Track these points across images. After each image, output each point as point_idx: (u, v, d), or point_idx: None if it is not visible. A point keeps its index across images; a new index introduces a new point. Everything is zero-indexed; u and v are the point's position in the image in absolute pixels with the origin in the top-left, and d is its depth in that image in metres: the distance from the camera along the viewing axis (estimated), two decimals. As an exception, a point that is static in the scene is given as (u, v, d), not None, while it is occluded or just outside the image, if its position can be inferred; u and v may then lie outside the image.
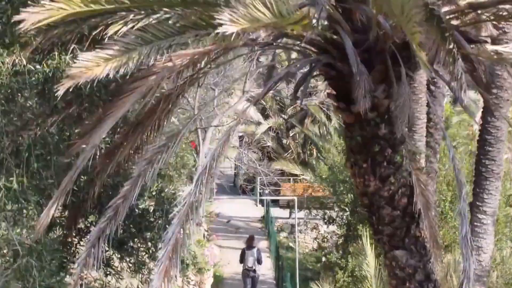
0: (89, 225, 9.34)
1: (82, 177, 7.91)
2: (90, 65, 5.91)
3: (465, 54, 6.38)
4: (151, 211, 9.26)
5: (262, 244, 23.80)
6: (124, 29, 6.45)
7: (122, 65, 6.02)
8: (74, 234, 9.12)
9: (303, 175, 23.54)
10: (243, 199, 31.24)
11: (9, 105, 6.67)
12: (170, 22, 6.50)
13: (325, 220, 18.66)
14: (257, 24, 5.46)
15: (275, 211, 27.78)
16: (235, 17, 5.31)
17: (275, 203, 29.50)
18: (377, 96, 6.78)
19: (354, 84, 6.37)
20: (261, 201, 30.60)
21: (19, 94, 6.71)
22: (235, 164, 30.99)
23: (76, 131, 7.51)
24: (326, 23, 6.91)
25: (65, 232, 8.77)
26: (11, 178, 6.62)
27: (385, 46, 6.66)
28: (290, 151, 30.82)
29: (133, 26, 6.46)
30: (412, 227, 7.15)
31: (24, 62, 6.51)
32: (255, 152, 31.60)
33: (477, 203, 11.08)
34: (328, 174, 18.50)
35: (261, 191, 29.87)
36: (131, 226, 9.05)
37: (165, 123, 7.86)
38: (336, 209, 18.54)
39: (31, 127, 6.90)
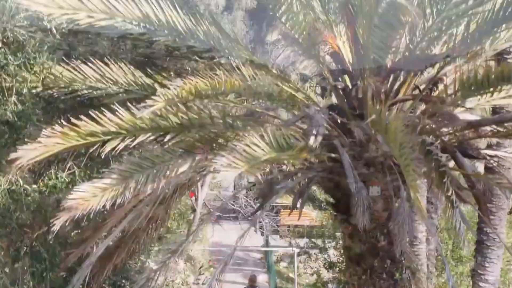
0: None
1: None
2: (86, 196, 5.85)
3: (465, 174, 6.35)
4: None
5: (262, 277, 23.63)
6: (122, 145, 6.39)
7: (119, 195, 5.96)
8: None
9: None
10: (242, 224, 30.95)
11: (5, 220, 6.61)
12: (166, 139, 6.42)
13: (326, 266, 18.52)
14: (257, 165, 5.36)
15: (274, 240, 27.50)
16: (232, 160, 5.20)
17: (275, 231, 29.26)
18: (376, 209, 6.74)
19: (352, 197, 6.32)
20: (260, 227, 30.34)
21: (15, 213, 6.64)
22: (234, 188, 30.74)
23: (72, 234, 7.45)
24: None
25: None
26: (6, 298, 6.59)
27: (383, 161, 6.61)
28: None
29: (133, 140, 6.41)
30: None
31: (21, 183, 6.45)
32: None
33: (479, 271, 11.01)
34: (328, 219, 18.39)
35: (261, 222, 29.62)
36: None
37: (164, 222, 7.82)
38: (337, 253, 18.39)
39: (26, 241, 6.85)
